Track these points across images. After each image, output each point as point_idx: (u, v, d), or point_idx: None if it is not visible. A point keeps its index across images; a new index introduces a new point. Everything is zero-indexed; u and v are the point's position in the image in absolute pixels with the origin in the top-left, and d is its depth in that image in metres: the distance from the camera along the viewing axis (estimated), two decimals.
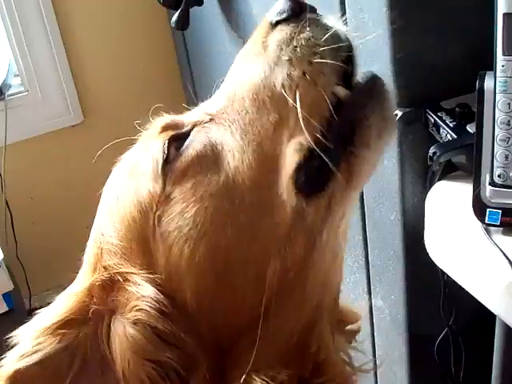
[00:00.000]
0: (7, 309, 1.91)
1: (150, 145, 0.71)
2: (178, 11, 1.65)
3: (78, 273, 0.71)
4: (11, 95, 2.16)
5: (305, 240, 0.65)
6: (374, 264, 1.24)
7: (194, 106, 0.76)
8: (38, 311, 0.65)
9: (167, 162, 0.68)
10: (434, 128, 0.98)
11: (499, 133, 0.81)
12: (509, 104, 0.79)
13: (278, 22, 0.69)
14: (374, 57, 0.96)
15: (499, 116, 0.80)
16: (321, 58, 0.65)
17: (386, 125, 0.68)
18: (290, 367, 0.66)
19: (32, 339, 0.63)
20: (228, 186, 0.65)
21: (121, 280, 0.66)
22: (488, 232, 0.85)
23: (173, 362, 0.63)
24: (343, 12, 1.08)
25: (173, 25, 1.68)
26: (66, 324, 0.63)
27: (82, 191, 2.30)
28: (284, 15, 0.68)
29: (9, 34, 2.12)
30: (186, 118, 0.74)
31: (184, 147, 0.68)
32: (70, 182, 2.31)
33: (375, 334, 1.31)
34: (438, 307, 1.10)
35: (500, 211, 0.84)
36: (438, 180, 0.97)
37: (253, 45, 0.71)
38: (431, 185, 0.98)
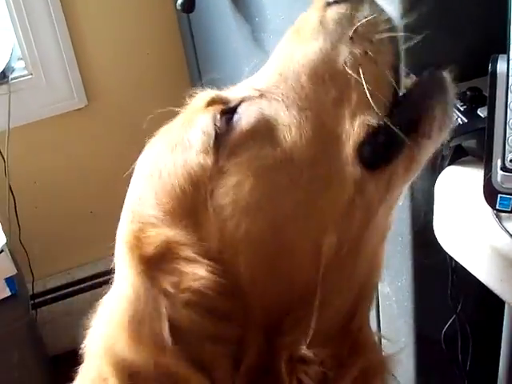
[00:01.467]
0: (10, 293, 1.91)
1: (197, 118, 0.69)
2: None
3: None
4: (15, 78, 2.15)
5: (361, 216, 0.66)
6: None
7: (200, 90, 0.74)
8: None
9: (218, 135, 0.67)
10: None
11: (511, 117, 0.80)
12: None
13: (332, 2, 0.70)
14: None
15: None
16: (380, 38, 0.67)
17: (447, 119, 0.70)
18: (331, 345, 0.66)
19: None
20: (285, 161, 0.65)
21: (172, 256, 0.63)
22: (499, 218, 0.84)
23: (227, 338, 0.62)
24: None
25: (178, 7, 1.67)
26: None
27: (85, 176, 2.31)
28: None
29: (12, 17, 2.10)
30: (231, 93, 0.73)
31: (235, 120, 0.67)
32: (73, 166, 2.30)
33: (381, 321, 1.30)
34: (445, 294, 1.09)
35: (511, 197, 0.83)
36: (448, 165, 0.96)
37: (307, 22, 0.71)
38: (441, 170, 0.96)
